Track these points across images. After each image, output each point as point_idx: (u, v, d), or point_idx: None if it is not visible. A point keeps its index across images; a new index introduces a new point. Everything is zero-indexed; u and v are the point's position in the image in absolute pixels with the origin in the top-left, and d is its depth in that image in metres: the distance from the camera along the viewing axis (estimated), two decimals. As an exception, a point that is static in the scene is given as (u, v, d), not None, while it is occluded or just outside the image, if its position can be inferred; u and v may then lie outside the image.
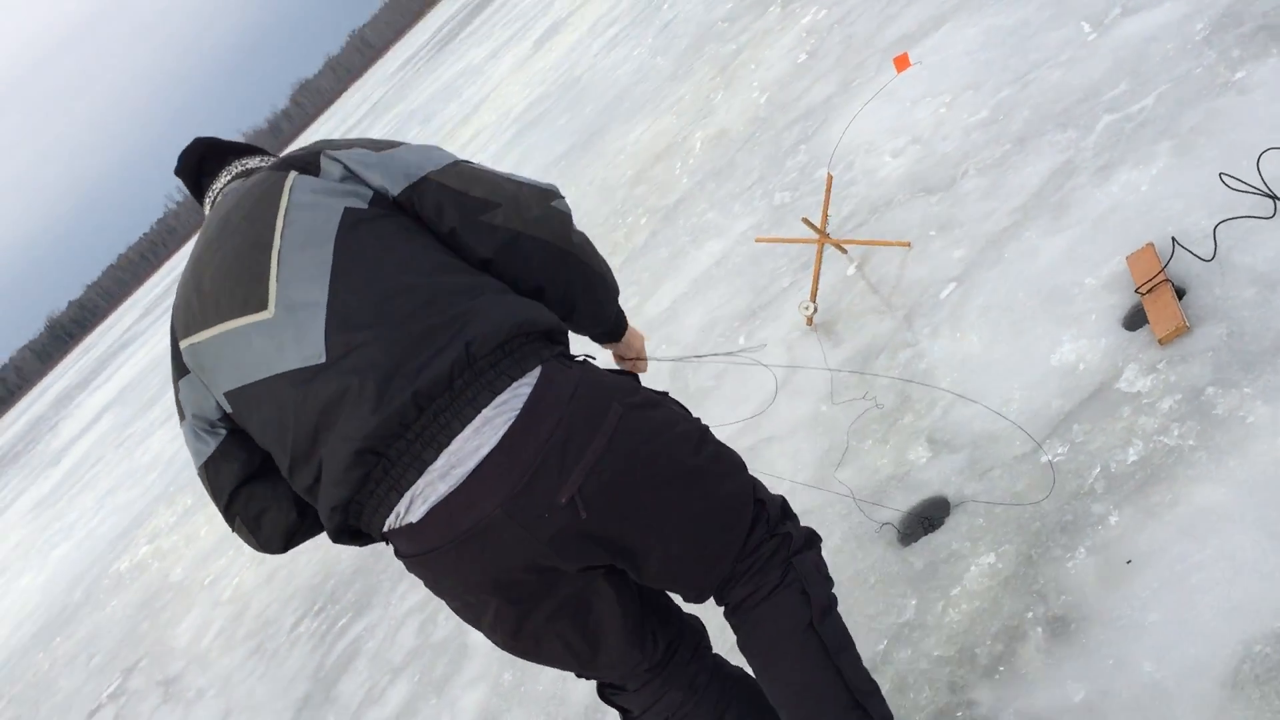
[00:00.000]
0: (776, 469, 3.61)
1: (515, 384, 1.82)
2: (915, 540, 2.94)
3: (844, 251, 4.43)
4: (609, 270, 2.21)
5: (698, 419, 2.11)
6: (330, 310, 1.85)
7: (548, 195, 2.08)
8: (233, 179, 2.22)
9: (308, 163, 2.02)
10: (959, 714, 2.39)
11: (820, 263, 4.25)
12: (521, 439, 1.79)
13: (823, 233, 4.27)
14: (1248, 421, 2.44)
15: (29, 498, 24.87)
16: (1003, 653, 2.43)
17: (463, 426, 1.78)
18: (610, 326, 2.29)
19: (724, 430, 4.07)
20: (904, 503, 3.08)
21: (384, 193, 1.99)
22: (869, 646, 2.73)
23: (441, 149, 2.08)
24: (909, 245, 4.15)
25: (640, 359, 2.51)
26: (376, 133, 32.45)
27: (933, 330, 3.65)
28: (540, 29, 22.50)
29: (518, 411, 1.79)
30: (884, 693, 2.54)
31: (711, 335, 4.87)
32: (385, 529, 1.87)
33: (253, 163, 2.26)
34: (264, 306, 1.89)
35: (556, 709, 3.51)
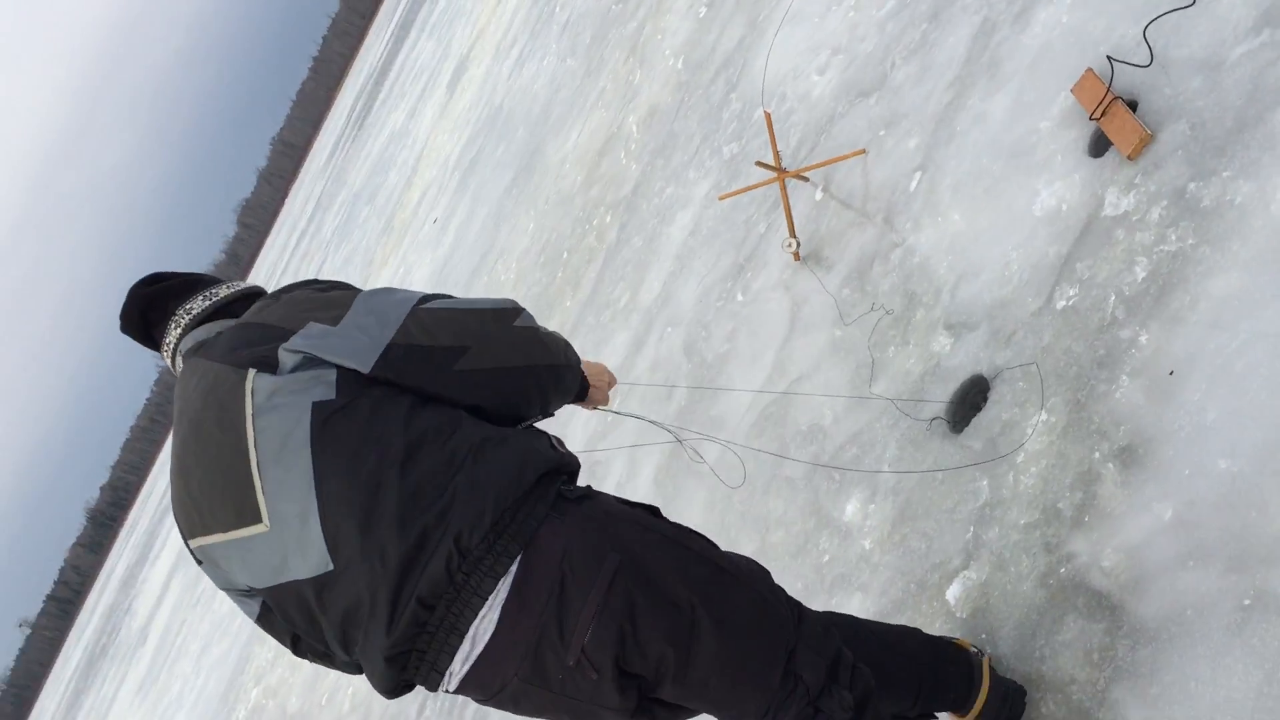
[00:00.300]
0: (815, 405, 3.65)
1: (514, 561, 1.81)
2: (966, 424, 2.97)
3: (806, 180, 4.46)
4: (570, 351, 2.22)
5: (726, 558, 2.03)
6: (323, 518, 1.84)
7: (509, 315, 2.07)
8: (184, 331, 2.15)
9: (264, 358, 1.93)
10: (1061, 570, 2.42)
11: (787, 198, 4.28)
12: (516, 615, 1.80)
13: (779, 169, 4.30)
14: (1236, 203, 2.47)
15: (131, 683, 25.06)
16: (1083, 500, 2.47)
17: (474, 615, 1.81)
18: (576, 394, 2.32)
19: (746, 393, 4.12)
20: (944, 393, 3.12)
21: (353, 369, 1.92)
22: (957, 538, 2.77)
23: (394, 292, 2.04)
24: (864, 152, 4.18)
25: (607, 385, 2.50)
26: (330, 225, 32.51)
27: (914, 223, 3.68)
28: (448, 73, 22.53)
29: (508, 589, 1.81)
30: (983, 578, 2.59)
31: (710, 302, 4.90)
32: (439, 692, 1.94)
33: (197, 305, 2.17)
34: (258, 520, 1.89)
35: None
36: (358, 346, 1.92)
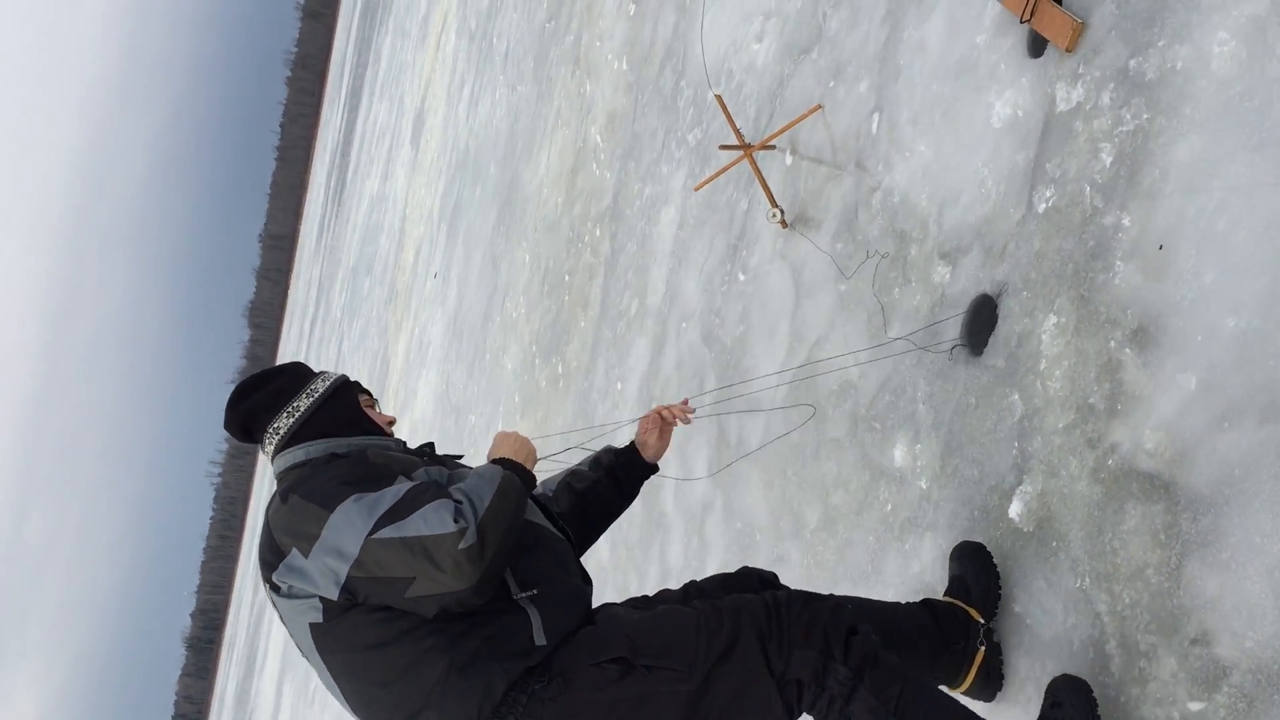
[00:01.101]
0: (836, 365, 3.72)
1: None
2: (985, 345, 3.03)
3: (772, 148, 4.52)
4: (505, 497, 2.27)
5: (699, 664, 2.25)
6: (349, 701, 2.31)
7: (450, 542, 2.13)
8: (275, 449, 2.51)
9: (271, 580, 2.32)
10: (1110, 462, 2.48)
11: (759, 171, 4.34)
12: None
13: (744, 146, 4.37)
14: (1178, 68, 2.51)
15: (271, 795, 25.37)
16: (1112, 389, 2.52)
17: None
18: (520, 468, 2.44)
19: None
20: (956, 321, 3.17)
21: (326, 596, 2.23)
22: (1005, 456, 2.83)
23: (354, 516, 2.18)
24: (820, 107, 4.24)
25: (526, 444, 2.57)
26: (337, 304, 32.75)
27: (885, 164, 3.73)
28: (408, 128, 22.69)
29: None
30: (1039, 488, 2.64)
31: (715, 288, 4.97)
32: None
33: (283, 424, 2.50)
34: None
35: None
36: (321, 582, 2.21)
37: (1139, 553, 2.35)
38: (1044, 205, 2.88)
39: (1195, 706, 2.15)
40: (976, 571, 2.78)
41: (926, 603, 2.78)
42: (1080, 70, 2.83)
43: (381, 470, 2.35)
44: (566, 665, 2.24)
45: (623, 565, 5.59)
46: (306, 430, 2.49)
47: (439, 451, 2.68)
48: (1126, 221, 2.57)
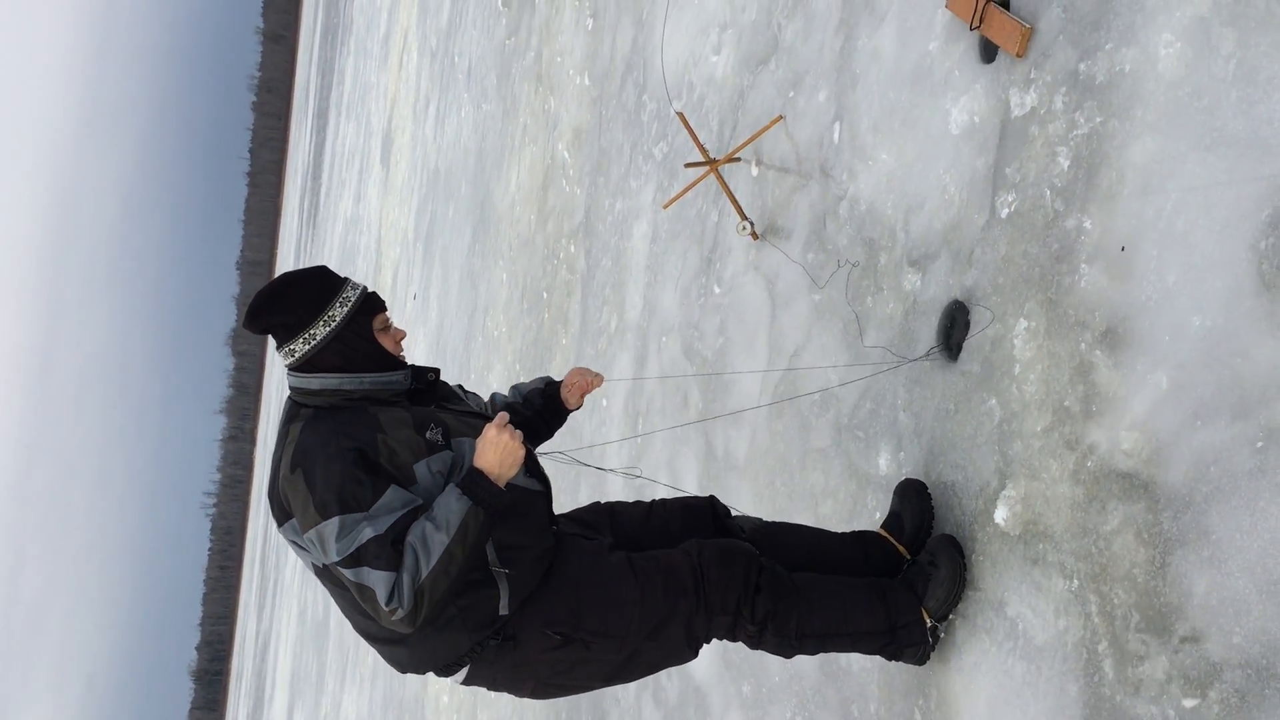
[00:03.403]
0: (818, 374, 3.75)
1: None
2: (960, 351, 3.06)
3: (738, 160, 4.55)
4: (456, 561, 2.42)
5: (635, 628, 2.68)
6: (343, 613, 2.69)
7: (386, 615, 2.39)
8: (288, 369, 2.69)
9: (279, 522, 2.60)
10: (1089, 463, 2.51)
11: (726, 186, 4.37)
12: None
13: (709, 161, 4.39)
14: (1126, 70, 2.54)
15: (290, 824, 25.27)
16: (1086, 391, 2.55)
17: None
18: (493, 495, 2.52)
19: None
20: (930, 327, 3.20)
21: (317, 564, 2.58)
22: (987, 461, 2.86)
23: (330, 540, 2.40)
24: (782, 118, 4.27)
25: (504, 448, 2.59)
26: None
27: (850, 172, 3.76)
28: (377, 149, 22.64)
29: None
30: (1022, 492, 2.67)
31: (692, 301, 4.99)
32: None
33: (299, 348, 2.63)
34: None
35: (797, 684, 3.68)
36: (313, 553, 2.51)
37: (1125, 552, 2.38)
38: (1006, 210, 2.91)
39: (1190, 703, 2.18)
40: (913, 511, 3.05)
41: (860, 535, 3.12)
42: (1032, 75, 2.86)
43: (377, 481, 2.46)
44: (519, 627, 2.62)
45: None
46: (320, 359, 2.64)
47: (442, 378, 2.99)
48: (1088, 224, 2.60)
